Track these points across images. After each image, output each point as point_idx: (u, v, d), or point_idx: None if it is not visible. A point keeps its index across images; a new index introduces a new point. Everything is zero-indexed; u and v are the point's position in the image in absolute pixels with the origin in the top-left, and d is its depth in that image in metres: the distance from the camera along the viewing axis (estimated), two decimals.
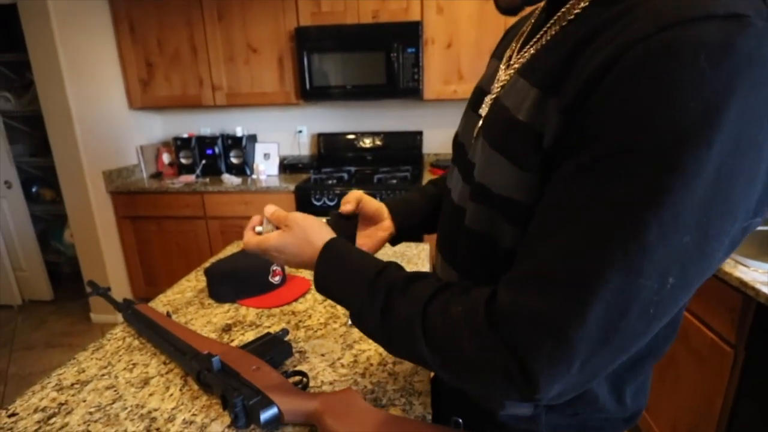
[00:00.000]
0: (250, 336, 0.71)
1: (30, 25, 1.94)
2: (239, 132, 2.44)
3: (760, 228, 1.19)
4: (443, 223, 0.54)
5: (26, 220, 2.50)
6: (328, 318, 0.76)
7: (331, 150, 2.48)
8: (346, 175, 2.26)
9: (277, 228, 0.50)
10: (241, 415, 0.49)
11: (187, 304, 0.83)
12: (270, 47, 2.18)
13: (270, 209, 0.51)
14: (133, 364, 0.64)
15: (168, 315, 0.73)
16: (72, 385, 0.60)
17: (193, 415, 0.53)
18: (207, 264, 0.99)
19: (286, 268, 0.93)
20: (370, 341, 0.64)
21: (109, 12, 2.23)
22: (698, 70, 0.26)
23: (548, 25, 0.39)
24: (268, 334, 0.65)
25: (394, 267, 0.43)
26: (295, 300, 0.83)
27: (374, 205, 0.61)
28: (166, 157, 2.52)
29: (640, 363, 0.44)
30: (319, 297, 0.84)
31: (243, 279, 0.84)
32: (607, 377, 0.43)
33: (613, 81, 0.28)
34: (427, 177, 2.14)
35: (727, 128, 0.26)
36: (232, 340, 0.70)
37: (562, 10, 0.37)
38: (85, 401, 0.56)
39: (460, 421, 0.47)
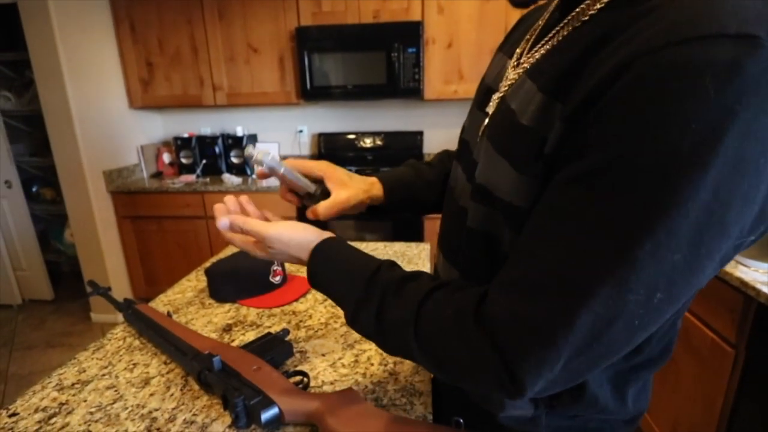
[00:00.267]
0: (250, 336, 0.71)
1: (30, 24, 1.94)
2: (240, 132, 2.44)
3: None
4: (445, 221, 0.53)
5: (26, 220, 2.50)
6: (329, 318, 0.76)
7: (332, 150, 2.48)
8: None
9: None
10: (242, 415, 0.49)
11: (188, 303, 0.83)
12: (271, 47, 2.18)
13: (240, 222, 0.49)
14: (134, 364, 0.64)
15: (168, 315, 0.73)
16: (73, 384, 0.59)
17: (194, 415, 0.53)
18: (207, 264, 0.99)
19: (287, 266, 0.93)
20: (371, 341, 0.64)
21: (110, 11, 2.23)
22: (703, 91, 0.25)
23: (561, 25, 0.38)
24: (269, 334, 0.65)
25: (387, 266, 0.43)
26: (296, 300, 0.83)
27: (338, 175, 0.58)
28: (166, 157, 2.52)
29: (641, 368, 0.44)
30: (320, 297, 0.84)
31: (244, 279, 0.84)
32: (609, 379, 0.43)
33: (618, 93, 0.28)
34: None
35: (727, 152, 0.26)
36: (233, 340, 0.70)
37: (576, 10, 0.36)
38: (85, 401, 0.56)
39: (461, 421, 0.47)
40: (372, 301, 0.41)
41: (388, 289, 0.41)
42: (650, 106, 0.27)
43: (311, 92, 2.16)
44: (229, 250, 1.09)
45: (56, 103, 2.01)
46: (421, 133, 2.40)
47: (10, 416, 0.54)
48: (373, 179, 0.62)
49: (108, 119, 2.25)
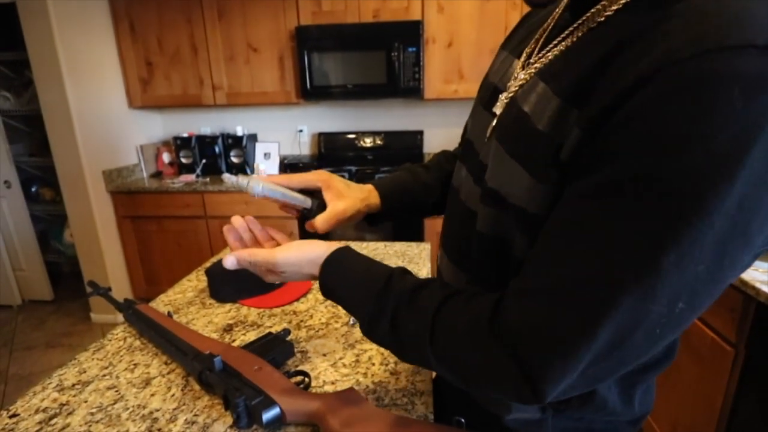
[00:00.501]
0: (251, 336, 0.71)
1: (29, 24, 1.93)
2: (240, 131, 2.44)
3: None
4: (450, 223, 0.53)
5: (26, 220, 2.49)
6: (330, 318, 0.76)
7: (332, 149, 2.48)
8: (346, 175, 2.26)
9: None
10: (243, 416, 0.49)
11: (188, 304, 0.83)
12: (270, 46, 2.18)
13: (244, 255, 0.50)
14: (135, 364, 0.64)
15: (169, 315, 0.73)
16: (73, 385, 0.59)
17: (195, 415, 0.53)
18: (208, 264, 0.99)
19: None
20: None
21: (109, 10, 2.23)
22: (731, 104, 0.25)
23: (575, 25, 0.37)
24: (270, 334, 0.65)
25: (398, 275, 0.43)
26: (297, 300, 0.83)
27: (338, 186, 0.58)
28: (166, 157, 2.51)
29: (647, 369, 0.44)
30: (320, 297, 0.84)
31: (244, 279, 0.83)
32: (617, 381, 0.43)
33: (643, 102, 0.27)
34: None
35: (753, 164, 0.26)
36: (234, 340, 0.70)
37: (592, 11, 0.36)
38: (86, 402, 0.56)
39: (462, 420, 0.47)
40: (385, 314, 0.41)
41: (401, 301, 0.41)
42: (677, 118, 0.26)
43: (311, 92, 2.16)
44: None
45: (55, 102, 2.01)
46: (421, 133, 2.40)
47: (10, 417, 0.54)
48: (370, 187, 0.61)
49: (107, 119, 2.25)
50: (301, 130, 2.56)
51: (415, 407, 0.54)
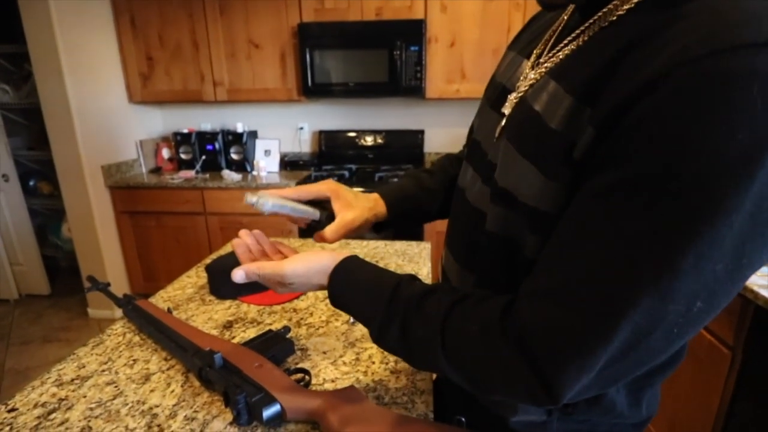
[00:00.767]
0: (251, 333, 0.71)
1: (29, 17, 1.92)
2: (240, 128, 2.43)
3: None
4: (456, 223, 0.53)
5: (24, 214, 2.48)
6: (330, 315, 0.76)
7: (333, 147, 2.48)
8: (347, 173, 2.25)
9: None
10: (243, 412, 0.49)
11: (188, 300, 0.83)
12: (272, 43, 2.17)
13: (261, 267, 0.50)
14: (134, 360, 0.64)
15: (169, 311, 0.72)
16: (72, 380, 0.59)
17: (195, 411, 0.53)
18: (207, 260, 0.98)
19: None
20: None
21: (110, 5, 2.21)
22: (750, 101, 0.25)
23: (586, 25, 0.37)
24: (270, 331, 0.65)
25: (406, 282, 0.43)
26: (297, 297, 0.83)
27: (347, 197, 0.59)
28: (165, 152, 2.50)
29: (656, 372, 0.44)
30: (320, 294, 0.84)
31: None
32: (626, 384, 0.43)
33: (658, 101, 0.27)
34: None
35: None
36: (234, 337, 0.70)
37: (603, 10, 0.35)
38: (85, 397, 0.56)
39: (463, 419, 0.47)
40: (395, 321, 0.41)
41: (409, 307, 0.40)
42: (695, 117, 0.26)
43: (312, 89, 2.16)
44: (230, 247, 1.09)
45: (55, 96, 2.00)
46: (422, 132, 2.40)
47: (9, 411, 0.53)
48: (376, 196, 0.62)
49: (107, 113, 2.24)
50: (301, 128, 2.55)
51: (415, 406, 0.54)
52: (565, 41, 0.39)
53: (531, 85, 0.41)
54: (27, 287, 2.60)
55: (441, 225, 2.07)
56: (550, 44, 0.43)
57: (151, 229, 2.31)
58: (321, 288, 0.49)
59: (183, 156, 2.44)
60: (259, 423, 0.49)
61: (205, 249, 2.28)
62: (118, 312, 0.64)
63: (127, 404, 0.54)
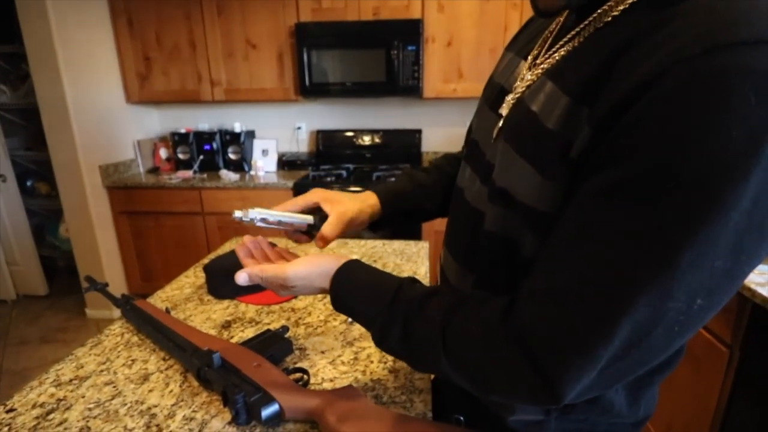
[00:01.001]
0: (249, 333, 0.71)
1: (27, 17, 1.91)
2: (237, 128, 2.43)
3: None
4: (454, 223, 0.53)
5: (21, 214, 2.47)
6: (328, 315, 0.76)
7: (330, 147, 2.48)
8: (344, 173, 2.25)
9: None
10: (242, 412, 0.49)
11: (186, 300, 0.83)
12: (269, 43, 2.17)
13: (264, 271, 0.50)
14: (132, 360, 0.64)
15: (167, 311, 0.72)
16: (70, 380, 0.59)
17: (194, 411, 0.53)
18: (205, 260, 0.98)
19: None
20: (370, 338, 0.64)
21: (107, 5, 2.21)
22: (744, 99, 0.25)
23: (582, 26, 0.37)
24: (268, 330, 0.65)
25: (407, 285, 0.43)
26: (295, 297, 0.83)
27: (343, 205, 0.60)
28: (163, 152, 2.50)
29: (655, 372, 0.44)
30: (319, 294, 0.84)
31: None
32: (625, 384, 0.43)
33: (654, 100, 0.27)
34: None
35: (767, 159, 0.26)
36: (232, 337, 0.70)
37: (599, 11, 0.36)
38: (84, 397, 0.56)
39: (462, 418, 0.47)
40: (396, 323, 0.41)
41: (411, 309, 0.41)
42: (690, 115, 0.26)
43: (310, 89, 2.15)
44: (228, 247, 1.09)
45: (52, 96, 1.99)
46: (419, 132, 2.40)
47: (7, 412, 0.53)
48: (368, 191, 0.63)
49: (104, 114, 2.23)
50: (299, 128, 2.55)
51: (413, 405, 0.54)
52: (562, 42, 0.39)
53: (528, 86, 0.41)
54: (24, 287, 2.59)
55: (439, 224, 2.07)
56: (546, 45, 0.43)
57: (148, 229, 2.31)
58: (323, 291, 0.49)
59: (181, 156, 2.43)
60: (258, 422, 0.49)
61: (203, 249, 2.28)
62: (117, 312, 0.64)
63: (125, 404, 0.54)
